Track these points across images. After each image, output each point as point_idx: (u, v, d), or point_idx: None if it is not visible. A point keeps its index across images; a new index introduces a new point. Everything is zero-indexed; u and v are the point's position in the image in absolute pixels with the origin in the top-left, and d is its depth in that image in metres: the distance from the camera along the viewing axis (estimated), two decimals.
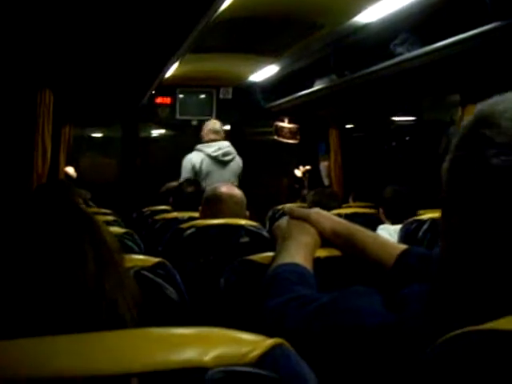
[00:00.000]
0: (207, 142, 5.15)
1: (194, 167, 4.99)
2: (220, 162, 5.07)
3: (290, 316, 1.03)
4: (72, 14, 2.89)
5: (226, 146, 5.15)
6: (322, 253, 1.40)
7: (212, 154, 5.03)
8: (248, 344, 0.61)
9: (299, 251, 1.33)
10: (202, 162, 5.01)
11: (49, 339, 0.58)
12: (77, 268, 0.69)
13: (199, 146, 5.15)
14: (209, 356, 0.57)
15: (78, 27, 3.11)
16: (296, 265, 1.26)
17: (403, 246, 1.33)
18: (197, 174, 4.94)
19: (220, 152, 5.07)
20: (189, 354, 0.57)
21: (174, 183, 4.74)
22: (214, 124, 5.32)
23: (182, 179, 4.87)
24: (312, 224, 1.42)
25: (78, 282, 0.68)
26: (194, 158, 5.05)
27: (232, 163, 5.16)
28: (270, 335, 0.64)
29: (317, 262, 1.35)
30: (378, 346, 0.83)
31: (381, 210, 3.66)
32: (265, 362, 0.60)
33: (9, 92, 3.55)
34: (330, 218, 1.44)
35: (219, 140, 5.17)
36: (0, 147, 3.49)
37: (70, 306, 0.66)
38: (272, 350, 0.61)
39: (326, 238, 1.41)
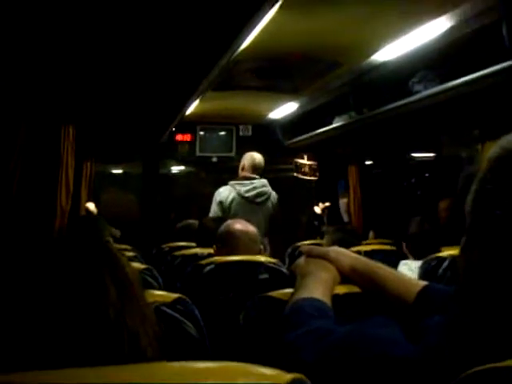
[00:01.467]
0: (243, 178, 4.81)
1: (222, 203, 4.68)
2: (252, 203, 4.71)
3: (308, 348, 1.03)
4: (96, 52, 2.96)
5: (261, 185, 4.81)
6: (341, 289, 1.40)
7: (244, 195, 4.69)
8: (268, 378, 0.61)
9: (318, 287, 1.33)
10: (232, 201, 4.68)
11: (74, 371, 0.59)
12: (99, 301, 0.70)
13: (232, 183, 4.79)
14: None
15: (102, 65, 3.17)
16: (314, 299, 1.26)
17: (423, 283, 1.33)
18: (224, 211, 4.62)
19: (253, 193, 4.72)
20: None
21: (191, 220, 4.72)
22: (253, 158, 4.91)
23: (211, 213, 4.75)
24: (331, 261, 1.42)
25: (100, 315, 0.69)
26: (224, 194, 4.71)
27: (266, 204, 4.79)
28: (288, 369, 0.64)
29: (336, 298, 1.35)
30: (398, 377, 0.83)
31: (404, 245, 3.63)
32: None
33: (34, 127, 3.61)
34: (348, 255, 1.45)
35: (256, 178, 4.82)
36: (25, 181, 3.54)
37: (92, 339, 0.68)
38: None
39: (345, 275, 1.41)
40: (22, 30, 2.57)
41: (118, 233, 4.34)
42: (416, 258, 3.43)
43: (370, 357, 0.90)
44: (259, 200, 4.74)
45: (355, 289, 1.41)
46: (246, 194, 4.69)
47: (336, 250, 1.46)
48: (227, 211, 4.62)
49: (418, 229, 3.59)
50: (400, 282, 1.34)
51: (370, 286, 1.38)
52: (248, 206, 4.69)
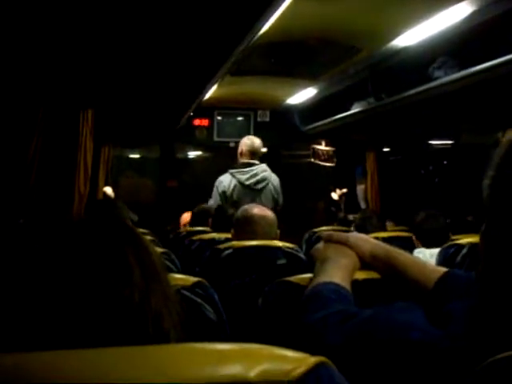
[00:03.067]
0: (242, 164, 4.85)
1: (224, 192, 4.75)
2: (253, 190, 4.77)
3: (330, 331, 1.03)
4: (115, 37, 2.96)
5: (260, 171, 4.82)
6: (360, 275, 1.39)
7: (245, 183, 4.75)
8: (292, 361, 0.61)
9: (337, 272, 1.33)
10: (233, 189, 4.74)
11: (99, 351, 0.59)
12: (123, 282, 0.70)
13: (232, 171, 4.83)
14: (254, 372, 0.58)
15: (121, 50, 3.17)
16: (334, 284, 1.26)
17: (443, 269, 1.32)
18: (227, 199, 4.70)
19: (253, 180, 4.77)
20: (234, 369, 0.58)
21: (206, 205, 4.75)
22: (252, 143, 4.92)
23: (212, 201, 4.84)
24: (351, 247, 1.42)
25: (124, 295, 0.70)
26: (226, 183, 4.78)
27: (266, 189, 4.83)
28: (308, 351, 0.64)
29: (355, 284, 1.35)
30: (422, 361, 0.83)
31: (413, 236, 3.62)
32: (309, 379, 0.60)
33: (53, 112, 3.62)
34: (368, 241, 1.44)
35: (256, 164, 4.85)
36: (44, 166, 3.56)
37: (116, 320, 0.68)
38: (316, 367, 0.62)
39: (365, 261, 1.41)
40: (41, 16, 2.57)
41: (135, 217, 4.36)
42: (426, 246, 3.42)
43: (394, 341, 0.90)
44: (260, 186, 4.79)
45: (375, 275, 1.41)
46: (247, 182, 4.74)
47: (356, 236, 1.45)
48: (230, 199, 4.69)
49: (422, 218, 3.57)
50: (420, 268, 1.34)
51: (389, 272, 1.38)
52: (250, 193, 4.75)
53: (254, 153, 4.88)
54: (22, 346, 0.64)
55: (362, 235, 1.48)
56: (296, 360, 0.62)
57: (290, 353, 0.64)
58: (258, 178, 4.78)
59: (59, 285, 0.69)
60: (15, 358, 0.58)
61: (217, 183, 4.88)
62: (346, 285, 1.30)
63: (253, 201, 4.47)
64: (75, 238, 0.75)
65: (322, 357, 0.64)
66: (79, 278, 0.69)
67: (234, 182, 4.77)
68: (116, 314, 0.68)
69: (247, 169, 4.81)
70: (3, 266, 0.74)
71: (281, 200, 4.96)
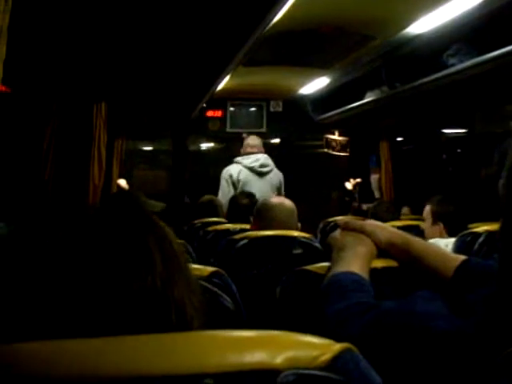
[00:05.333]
0: (245, 154, 5.33)
1: (231, 177, 5.18)
2: (257, 172, 5.21)
3: (353, 322, 1.03)
4: (127, 30, 2.96)
5: (263, 157, 5.30)
6: (378, 263, 1.39)
7: (249, 165, 5.20)
8: (317, 348, 0.61)
9: (355, 261, 1.32)
10: (239, 173, 5.18)
11: (122, 339, 0.59)
12: (145, 271, 0.70)
13: (237, 159, 5.34)
14: (280, 358, 0.57)
15: (134, 43, 3.17)
16: (353, 273, 1.26)
17: (462, 257, 1.31)
18: (234, 185, 5.13)
19: (257, 163, 5.22)
20: (259, 357, 0.57)
21: (209, 196, 4.77)
22: (252, 139, 5.48)
23: (220, 190, 5.22)
24: (368, 235, 1.41)
25: (147, 284, 0.69)
26: (232, 169, 5.23)
27: (270, 175, 5.29)
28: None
29: (373, 272, 1.34)
30: (445, 351, 0.82)
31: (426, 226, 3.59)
32: (335, 366, 0.60)
33: (67, 105, 3.63)
34: (385, 229, 1.43)
35: (257, 153, 5.32)
36: (59, 159, 3.57)
37: (139, 308, 0.68)
38: (342, 354, 0.61)
39: (382, 249, 1.40)
40: (55, 11, 2.57)
41: (160, 205, 4.35)
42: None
43: (416, 331, 0.89)
44: (264, 170, 5.25)
45: (392, 263, 1.40)
46: (251, 165, 5.21)
47: (373, 224, 1.44)
48: (236, 184, 5.13)
49: (444, 207, 3.54)
50: (438, 256, 1.33)
51: (407, 260, 1.37)
52: (254, 176, 5.21)
53: (251, 146, 5.41)
54: (44, 335, 0.64)
55: (379, 223, 1.47)
56: (321, 346, 0.61)
57: (314, 339, 0.63)
58: (261, 162, 5.26)
59: (81, 273, 0.68)
60: (35, 347, 0.58)
61: (223, 172, 5.33)
62: (364, 273, 1.29)
63: (258, 184, 5.11)
64: (96, 227, 0.74)
65: (347, 343, 0.63)
66: (101, 267, 0.69)
67: (239, 167, 5.25)
68: (139, 302, 0.68)
69: (251, 155, 5.31)
70: (25, 257, 0.74)
71: (282, 193, 5.33)
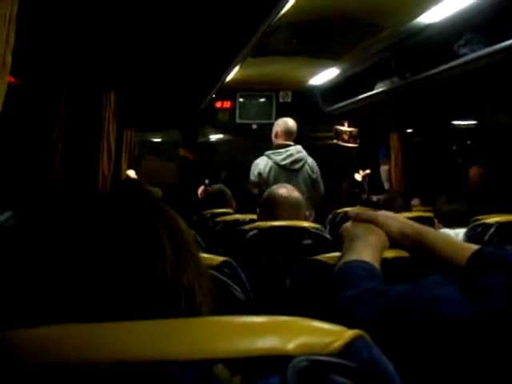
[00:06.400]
0: (277, 146, 4.85)
1: (260, 175, 4.77)
2: (289, 170, 4.77)
3: (363, 308, 1.02)
4: (136, 19, 2.95)
5: (296, 151, 4.82)
6: (389, 254, 1.38)
7: (281, 163, 4.75)
8: (330, 334, 0.60)
9: (367, 250, 1.31)
10: (270, 171, 4.75)
11: (134, 324, 0.59)
12: (155, 257, 0.70)
13: (268, 153, 4.85)
14: (292, 344, 0.57)
15: (143, 32, 3.16)
16: (364, 262, 1.25)
17: (474, 246, 1.30)
18: (265, 182, 4.64)
19: (289, 160, 4.77)
20: (271, 342, 0.57)
21: (218, 186, 4.74)
22: (286, 123, 4.93)
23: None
24: (379, 225, 1.40)
25: (156, 269, 0.69)
26: (262, 165, 4.80)
27: (302, 170, 4.82)
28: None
29: (384, 262, 1.33)
30: (459, 336, 0.81)
31: (436, 220, 3.58)
32: (348, 352, 0.59)
33: (76, 94, 3.63)
34: (397, 219, 1.42)
35: (291, 144, 4.85)
36: (68, 148, 3.57)
37: (148, 294, 0.67)
38: (354, 340, 0.61)
39: (394, 240, 1.39)
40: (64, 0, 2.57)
41: (159, 192, 4.36)
42: (447, 227, 3.39)
43: (429, 315, 0.88)
44: (296, 167, 4.79)
45: (404, 253, 1.39)
46: (283, 163, 4.75)
47: (384, 214, 1.44)
48: (267, 182, 4.65)
49: (445, 202, 3.53)
50: (451, 245, 1.32)
51: (419, 250, 1.36)
52: (286, 173, 4.74)
53: (288, 133, 4.88)
54: (54, 321, 0.64)
55: (391, 213, 1.47)
56: (334, 333, 0.61)
57: (326, 325, 0.63)
58: (293, 158, 4.79)
59: (91, 260, 0.68)
60: (44, 332, 0.58)
61: (253, 166, 4.90)
62: (376, 263, 1.28)
63: (288, 182, 4.36)
64: (105, 214, 0.74)
65: (359, 330, 0.63)
66: (110, 253, 0.68)
67: (269, 163, 4.79)
68: (148, 289, 0.68)
69: (282, 150, 4.81)
70: (34, 244, 0.73)
71: (321, 188, 4.95)
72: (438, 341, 0.85)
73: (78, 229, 0.72)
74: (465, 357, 0.81)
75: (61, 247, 0.70)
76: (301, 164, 4.82)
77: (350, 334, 0.61)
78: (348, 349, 0.59)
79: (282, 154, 4.79)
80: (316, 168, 4.93)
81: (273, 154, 4.81)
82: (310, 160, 4.90)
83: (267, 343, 0.57)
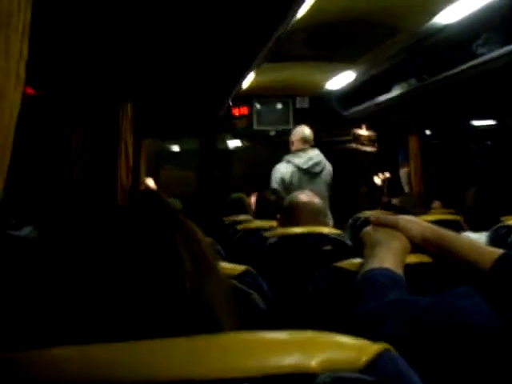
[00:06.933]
0: (296, 151, 4.95)
1: (283, 180, 4.81)
2: (311, 173, 4.86)
3: (388, 321, 1.00)
4: (152, 29, 2.95)
5: (315, 155, 4.94)
6: (411, 259, 1.35)
7: (302, 167, 4.83)
8: (354, 349, 0.58)
9: (389, 257, 1.29)
10: (292, 176, 4.82)
11: (156, 342, 0.57)
12: (174, 272, 0.68)
13: (288, 157, 4.94)
14: (315, 361, 0.55)
15: (158, 42, 3.17)
16: (386, 269, 1.23)
17: (499, 250, 1.27)
18: (287, 188, 4.72)
19: (310, 163, 4.86)
20: (295, 359, 0.55)
21: (237, 194, 4.75)
22: (302, 131, 5.06)
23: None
24: (400, 230, 1.38)
25: (175, 284, 0.67)
26: (284, 170, 4.87)
27: (323, 173, 4.94)
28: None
29: (407, 268, 1.31)
30: (488, 349, 0.79)
31: (462, 218, 3.53)
32: (373, 368, 0.57)
33: (93, 106, 3.64)
34: (418, 224, 1.40)
35: (308, 149, 4.96)
36: (87, 159, 3.59)
37: (168, 309, 0.66)
38: (380, 355, 0.59)
39: (416, 245, 1.37)
40: (80, 11, 2.57)
41: (178, 204, 4.38)
42: (474, 230, 3.32)
43: (457, 329, 0.86)
44: (318, 169, 4.89)
45: (426, 258, 1.36)
46: (305, 166, 4.84)
47: (406, 219, 1.41)
48: (289, 186, 4.72)
49: (473, 201, 3.48)
50: (474, 250, 1.29)
51: (442, 254, 1.34)
52: (308, 177, 4.84)
53: (305, 140, 4.99)
54: (72, 339, 0.62)
55: (412, 217, 1.44)
56: (359, 348, 0.59)
57: (351, 340, 0.61)
58: (314, 160, 4.89)
59: (109, 276, 0.67)
60: (64, 352, 0.56)
61: (274, 172, 4.95)
62: (398, 269, 1.26)
63: (311, 184, 4.63)
64: (123, 227, 0.73)
65: (385, 344, 0.61)
66: (128, 269, 0.67)
67: (290, 167, 4.86)
68: (168, 304, 0.66)
69: (302, 153, 4.91)
70: (54, 258, 0.72)
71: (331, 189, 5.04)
72: (466, 353, 0.83)
73: (95, 245, 0.71)
74: (493, 367, 0.79)
75: (79, 263, 0.69)
76: (321, 167, 4.92)
77: (375, 348, 0.59)
78: (374, 364, 0.57)
79: (303, 157, 4.87)
80: (332, 173, 5.04)
81: (293, 157, 4.90)
82: (328, 164, 5.00)
83: (290, 360, 0.55)
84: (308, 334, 0.61)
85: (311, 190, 4.50)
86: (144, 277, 0.67)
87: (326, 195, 4.64)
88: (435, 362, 0.89)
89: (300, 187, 4.54)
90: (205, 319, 0.68)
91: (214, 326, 0.68)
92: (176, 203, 4.30)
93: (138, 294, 0.66)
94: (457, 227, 3.48)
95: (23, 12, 1.07)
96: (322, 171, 4.92)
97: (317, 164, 4.90)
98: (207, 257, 0.75)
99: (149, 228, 0.72)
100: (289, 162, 4.90)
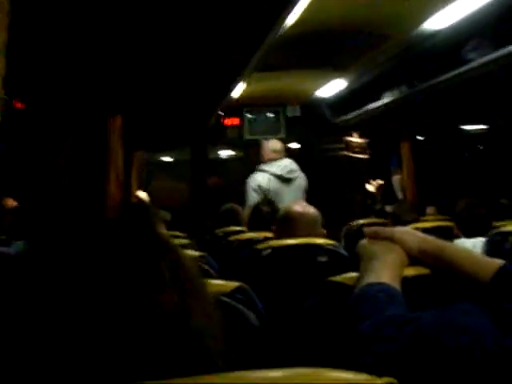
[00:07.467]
0: (269, 161, 5.07)
1: (261, 187, 4.90)
2: (286, 179, 4.98)
3: (389, 338, 0.96)
4: (139, 40, 2.92)
5: (289, 163, 5.09)
6: (409, 272, 1.32)
7: (277, 173, 4.96)
8: None
9: (386, 270, 1.26)
10: (268, 182, 4.92)
11: None
12: (159, 302, 0.64)
13: (262, 166, 5.07)
14: None
15: (147, 54, 3.14)
16: (383, 284, 1.19)
17: (498, 261, 1.23)
18: (265, 195, 4.81)
19: (285, 170, 5.00)
20: None
21: (230, 204, 4.72)
22: (274, 144, 5.22)
23: (248, 201, 4.90)
24: (397, 242, 1.34)
25: (160, 315, 0.63)
26: (260, 178, 4.96)
27: (297, 180, 5.07)
28: (361, 358, 0.57)
29: (404, 281, 1.27)
30: (495, 371, 0.75)
31: (454, 225, 3.52)
32: None
33: (83, 118, 3.62)
34: (415, 235, 1.36)
35: (281, 158, 5.10)
36: (75, 172, 3.56)
37: (153, 341, 0.62)
38: None
39: (413, 257, 1.34)
40: (67, 23, 2.55)
41: (168, 215, 4.35)
42: (467, 236, 3.30)
43: (463, 348, 0.82)
44: (293, 176, 5.04)
45: (424, 270, 1.33)
46: (280, 172, 4.98)
47: (401, 231, 1.38)
48: (267, 193, 4.84)
49: (465, 207, 3.47)
50: (473, 261, 1.26)
51: (440, 266, 1.30)
52: (284, 183, 4.97)
53: (275, 151, 5.13)
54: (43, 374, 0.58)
55: (408, 229, 1.41)
56: None
57: (352, 376, 0.57)
58: (288, 168, 5.02)
59: (89, 305, 0.63)
60: None
61: (249, 181, 5.03)
62: (396, 283, 1.22)
63: (287, 191, 4.87)
64: (105, 252, 0.69)
65: (390, 378, 0.57)
66: (110, 298, 0.63)
67: (266, 176, 4.97)
68: (153, 337, 0.62)
69: (275, 162, 5.05)
70: (34, 277, 0.68)
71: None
72: (472, 375, 0.79)
73: (73, 267, 0.67)
74: None
75: (56, 290, 0.65)
76: (296, 174, 5.07)
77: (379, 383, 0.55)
78: None
79: (277, 166, 5.01)
80: (307, 182, 5.18)
81: (267, 166, 5.04)
82: (302, 173, 5.16)
83: None
84: (308, 372, 0.56)
85: (288, 196, 4.73)
86: (127, 308, 0.63)
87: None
88: (437, 381, 0.86)
89: (277, 194, 4.81)
90: (193, 349, 0.64)
91: (202, 356, 0.65)
92: (166, 215, 4.26)
93: (120, 326, 0.62)
94: (450, 234, 3.46)
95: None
96: (296, 178, 5.06)
97: (292, 171, 5.04)
98: (194, 284, 0.71)
99: (134, 255, 0.68)
100: (263, 170, 5.03)
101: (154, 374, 0.59)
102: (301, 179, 5.11)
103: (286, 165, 5.04)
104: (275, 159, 5.05)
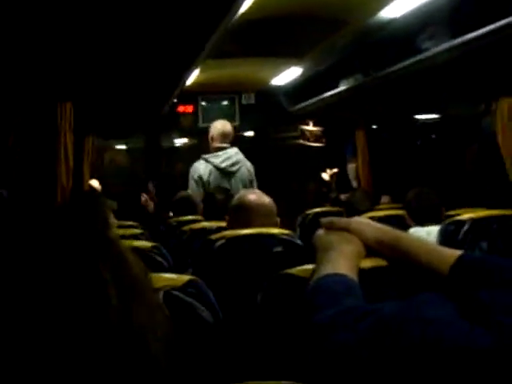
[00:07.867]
0: (214, 149, 5.00)
1: (201, 178, 4.88)
2: (228, 173, 4.92)
3: (348, 329, 0.92)
4: (90, 25, 2.83)
5: (234, 153, 5.00)
6: (366, 263, 1.29)
7: (220, 166, 4.89)
8: None
9: (342, 261, 1.22)
10: (209, 175, 4.88)
11: None
12: (98, 303, 0.59)
13: (206, 156, 4.99)
14: None
15: (97, 39, 3.05)
16: (340, 275, 1.16)
17: (457, 252, 1.21)
18: (204, 186, 4.84)
19: (229, 162, 4.92)
20: None
21: (185, 192, 4.69)
22: (222, 126, 5.13)
23: (189, 190, 4.90)
24: (354, 233, 1.31)
25: (100, 319, 0.58)
26: (202, 170, 4.92)
27: (240, 172, 4.99)
28: (322, 353, 0.53)
29: (361, 273, 1.24)
30: (462, 363, 0.72)
31: (406, 214, 3.54)
32: None
33: (29, 106, 3.50)
34: (372, 226, 1.34)
35: (227, 147, 5.01)
36: (23, 161, 3.45)
37: (94, 347, 0.57)
38: None
39: (370, 247, 1.30)
40: (15, 5, 2.45)
41: (114, 205, 4.27)
42: (418, 224, 3.33)
43: (428, 340, 0.79)
44: (235, 168, 4.95)
45: (381, 262, 1.30)
46: (222, 165, 4.91)
47: (358, 221, 1.35)
48: (206, 185, 4.84)
49: (414, 197, 3.50)
50: (431, 252, 1.23)
51: (397, 258, 1.28)
52: (225, 176, 4.92)
53: (225, 136, 5.04)
54: None
55: (365, 219, 1.38)
56: None
57: None
58: (232, 160, 4.94)
59: (23, 309, 0.57)
60: None
61: (191, 171, 5.01)
62: (352, 274, 1.19)
63: (228, 184, 4.83)
64: (42, 253, 0.63)
65: None
66: (47, 302, 0.58)
67: (209, 167, 4.92)
68: (93, 342, 0.57)
69: (220, 152, 4.96)
70: None
71: (255, 186, 5.05)
72: (437, 368, 0.76)
73: (14, 269, 0.61)
74: None
75: None
76: (238, 166, 4.97)
77: None
78: None
79: (221, 157, 4.93)
80: (253, 171, 5.11)
81: (211, 157, 4.95)
82: (248, 164, 5.09)
83: None
84: None
85: (229, 189, 4.66)
86: (65, 312, 0.57)
87: None
88: (395, 375, 0.82)
89: (217, 185, 4.79)
90: (134, 350, 0.59)
91: (147, 361, 0.60)
92: (113, 204, 4.18)
93: (57, 331, 0.56)
94: (403, 223, 3.48)
95: None
96: (238, 170, 4.97)
97: (234, 164, 4.95)
98: (137, 282, 0.66)
99: (73, 256, 0.63)
100: (207, 161, 4.95)
101: (93, 377, 0.55)
102: (243, 170, 5.02)
103: (231, 155, 4.96)
104: (222, 148, 4.96)
